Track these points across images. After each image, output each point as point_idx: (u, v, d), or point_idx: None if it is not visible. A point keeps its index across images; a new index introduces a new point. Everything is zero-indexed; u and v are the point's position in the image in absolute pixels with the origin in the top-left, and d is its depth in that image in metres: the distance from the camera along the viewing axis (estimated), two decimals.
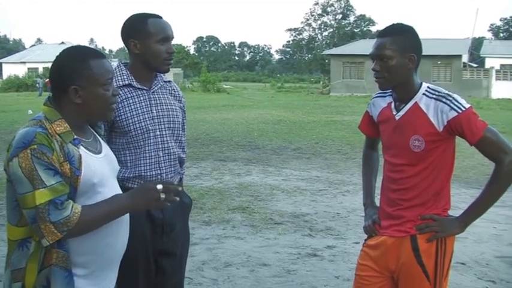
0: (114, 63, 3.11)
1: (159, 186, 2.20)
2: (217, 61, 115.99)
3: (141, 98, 3.00)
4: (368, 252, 2.89)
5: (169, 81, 3.21)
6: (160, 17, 3.02)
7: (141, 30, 2.94)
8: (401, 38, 2.69)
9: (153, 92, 3.05)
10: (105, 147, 2.41)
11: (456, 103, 2.61)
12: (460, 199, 7.54)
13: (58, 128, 2.16)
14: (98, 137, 2.42)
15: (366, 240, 2.96)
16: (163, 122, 3.02)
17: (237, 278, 5.27)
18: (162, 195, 2.20)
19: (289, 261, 5.73)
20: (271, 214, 7.64)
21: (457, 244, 6.08)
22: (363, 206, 3.10)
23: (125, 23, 3.02)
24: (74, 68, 2.22)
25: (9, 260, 2.19)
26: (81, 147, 2.21)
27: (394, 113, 2.78)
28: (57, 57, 2.29)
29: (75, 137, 2.21)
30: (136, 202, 2.22)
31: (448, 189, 2.80)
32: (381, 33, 2.74)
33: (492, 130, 2.63)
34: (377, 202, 3.04)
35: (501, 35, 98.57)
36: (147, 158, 2.97)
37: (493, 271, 5.52)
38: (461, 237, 6.36)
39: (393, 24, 2.78)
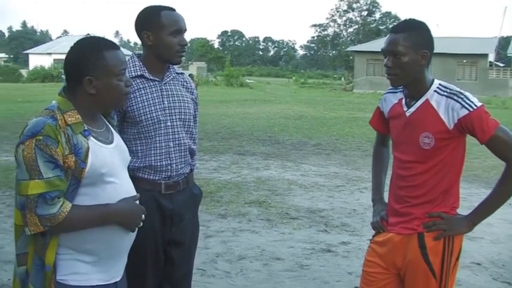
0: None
1: (143, 217, 2.36)
2: (241, 55, 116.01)
3: (153, 89, 3.03)
4: (375, 248, 2.89)
5: (181, 73, 3.23)
6: (174, 10, 3.04)
7: (154, 22, 2.98)
8: (414, 34, 2.66)
9: (165, 83, 3.08)
10: (117, 138, 2.44)
11: (468, 101, 2.58)
12: (479, 199, 7.44)
13: (69, 119, 2.20)
14: (111, 127, 2.46)
15: (373, 236, 2.96)
16: (175, 113, 3.05)
17: (250, 271, 5.29)
18: (140, 224, 2.36)
19: (302, 256, 5.73)
20: (287, 209, 7.65)
21: (473, 244, 6.10)
22: (372, 202, 3.09)
23: (138, 15, 3.05)
24: (89, 59, 2.25)
25: (15, 242, 2.24)
26: (91, 138, 2.25)
27: (405, 109, 2.76)
28: (71, 48, 2.33)
29: (86, 128, 2.24)
30: (122, 221, 2.29)
31: (457, 187, 2.77)
32: (394, 29, 2.72)
33: (504, 129, 2.60)
34: (386, 198, 3.03)
35: None
36: (158, 148, 2.99)
37: (509, 272, 5.46)
38: (477, 238, 6.34)
39: (406, 20, 2.76)
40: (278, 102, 29.22)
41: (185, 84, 3.21)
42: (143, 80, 3.02)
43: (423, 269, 2.69)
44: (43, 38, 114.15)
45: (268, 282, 5.04)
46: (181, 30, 3.01)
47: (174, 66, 3.16)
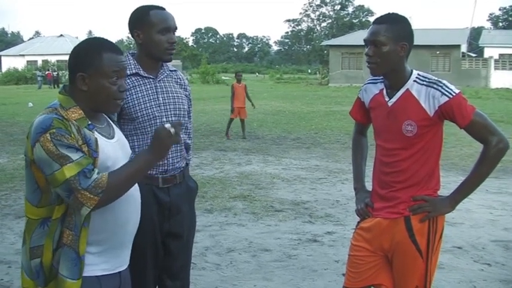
0: None
1: (167, 125, 2.28)
2: (216, 53, 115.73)
3: (148, 86, 3.12)
4: (361, 234, 3.01)
5: (175, 71, 3.33)
6: (163, 9, 3.14)
7: (144, 21, 3.09)
8: (395, 26, 2.81)
9: (160, 80, 3.17)
10: (118, 133, 2.51)
11: (447, 89, 2.74)
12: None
13: (73, 115, 2.27)
14: (111, 122, 2.53)
15: (358, 222, 3.08)
16: (170, 109, 3.14)
17: (240, 262, 5.41)
18: (172, 130, 2.27)
19: (290, 247, 5.87)
20: (271, 202, 7.79)
21: (454, 229, 6.28)
22: (354, 190, 3.20)
23: (130, 15, 3.15)
24: (85, 56, 2.32)
25: (28, 237, 2.29)
26: (96, 132, 2.32)
27: (387, 99, 2.89)
28: (76, 45, 2.41)
29: (89, 122, 2.31)
30: (156, 149, 2.28)
31: (438, 170, 2.92)
32: (377, 21, 2.86)
33: (480, 113, 2.77)
34: (367, 186, 3.15)
35: (500, 24, 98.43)
36: None
37: (489, 254, 5.66)
38: (458, 223, 6.54)
39: (389, 13, 2.90)
40: (255, 98, 29.16)
41: (179, 81, 3.31)
42: (138, 77, 3.12)
43: (411, 250, 2.84)
44: (15, 39, 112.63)
45: (258, 272, 5.16)
46: (169, 28, 3.10)
47: (167, 63, 3.25)
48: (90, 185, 2.14)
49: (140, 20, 3.11)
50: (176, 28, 3.16)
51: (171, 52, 3.15)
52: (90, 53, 2.32)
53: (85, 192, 2.14)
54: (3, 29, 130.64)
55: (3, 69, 60.63)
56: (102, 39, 2.44)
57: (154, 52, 3.12)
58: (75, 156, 2.15)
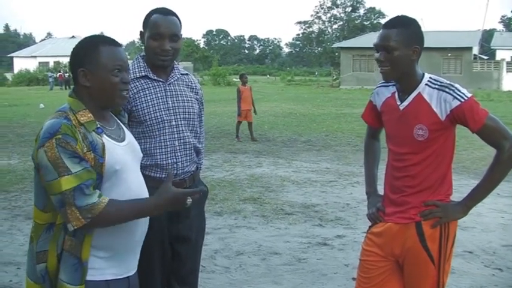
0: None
1: (189, 201, 2.35)
2: (227, 54, 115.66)
3: (157, 89, 3.11)
4: (372, 238, 2.98)
5: (186, 74, 3.31)
6: (167, 13, 3.09)
7: (146, 23, 3.10)
8: (406, 30, 2.76)
9: (169, 83, 3.16)
10: (129, 135, 2.50)
11: (459, 93, 2.70)
12: (470, 189, 7.59)
13: (82, 118, 2.26)
14: (122, 125, 2.51)
15: (370, 227, 3.05)
16: (179, 112, 3.13)
17: (249, 266, 5.39)
18: (189, 201, 2.35)
19: (299, 250, 5.84)
20: (281, 205, 7.76)
21: (465, 233, 6.23)
22: (366, 195, 3.17)
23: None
24: (84, 53, 2.33)
25: (35, 242, 2.29)
26: (104, 135, 2.30)
27: (398, 103, 2.86)
28: (74, 46, 2.41)
29: (99, 126, 2.30)
30: (166, 206, 2.34)
31: (450, 175, 2.88)
32: (387, 25, 2.82)
33: (493, 118, 2.73)
34: (379, 191, 3.12)
35: None
36: (163, 147, 3.08)
37: (500, 259, 5.61)
38: (469, 227, 6.48)
39: (398, 16, 2.86)
40: (266, 100, 29.27)
41: (190, 84, 3.29)
42: (147, 80, 3.11)
43: (422, 256, 2.80)
44: (27, 41, 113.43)
45: (268, 276, 5.14)
46: (161, 34, 3.04)
47: (178, 67, 3.24)
48: (84, 206, 2.14)
49: (144, 22, 3.12)
50: (175, 35, 3.08)
51: (163, 58, 3.08)
52: (88, 48, 2.33)
53: (76, 211, 2.14)
54: (15, 30, 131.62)
55: (15, 71, 60.99)
56: (98, 35, 2.46)
57: (148, 55, 3.11)
58: (76, 168, 2.14)
